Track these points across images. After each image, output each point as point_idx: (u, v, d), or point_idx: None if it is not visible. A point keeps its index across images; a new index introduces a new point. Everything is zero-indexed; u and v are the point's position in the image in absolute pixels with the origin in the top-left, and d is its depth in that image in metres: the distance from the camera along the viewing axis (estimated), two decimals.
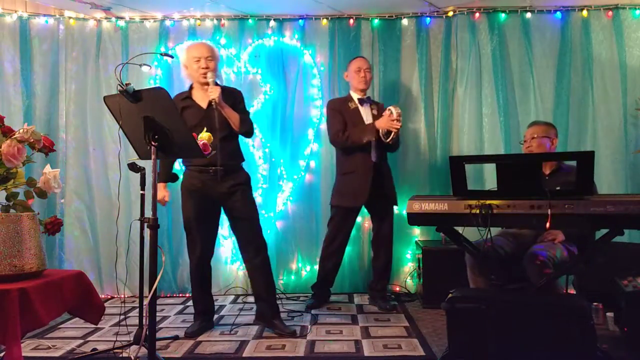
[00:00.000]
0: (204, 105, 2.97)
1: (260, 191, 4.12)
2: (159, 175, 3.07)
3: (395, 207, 3.73)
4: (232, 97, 3.04)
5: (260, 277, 3.05)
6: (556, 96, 3.99)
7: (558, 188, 2.13)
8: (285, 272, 4.15)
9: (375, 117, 3.56)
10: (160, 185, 3.04)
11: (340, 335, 3.00)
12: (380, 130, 3.45)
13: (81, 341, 2.94)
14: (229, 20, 4.19)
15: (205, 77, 2.93)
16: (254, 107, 4.12)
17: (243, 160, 3.12)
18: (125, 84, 2.15)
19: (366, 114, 3.61)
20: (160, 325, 3.24)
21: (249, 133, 3.08)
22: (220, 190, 2.95)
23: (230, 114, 2.94)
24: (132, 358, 2.55)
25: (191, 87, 3.05)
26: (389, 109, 3.41)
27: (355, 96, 3.65)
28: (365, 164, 3.53)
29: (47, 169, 2.21)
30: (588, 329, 2.02)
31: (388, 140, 3.44)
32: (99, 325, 2.98)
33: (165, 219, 4.04)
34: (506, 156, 3.18)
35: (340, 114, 3.58)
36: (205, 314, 3.13)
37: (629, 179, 3.88)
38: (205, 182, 2.95)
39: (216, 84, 2.97)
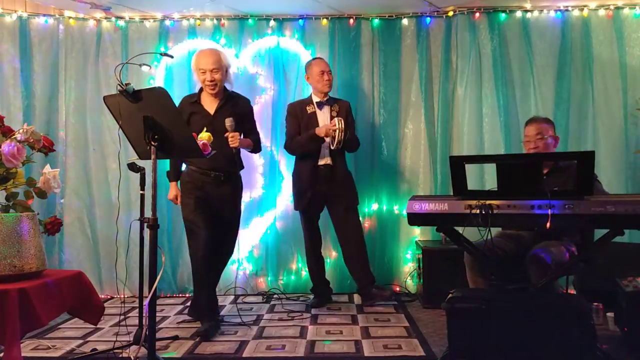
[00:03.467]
0: (211, 111, 3.01)
1: (260, 191, 4.12)
2: (170, 174, 3.16)
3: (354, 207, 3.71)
4: (237, 106, 3.10)
5: (216, 277, 3.23)
6: (556, 96, 3.99)
7: (556, 188, 2.12)
8: (285, 272, 4.14)
9: (338, 117, 3.51)
10: (172, 185, 3.16)
11: (340, 335, 2.99)
12: (327, 137, 3.46)
13: (81, 341, 2.94)
14: (228, 20, 4.19)
15: (213, 90, 3.00)
16: (254, 107, 4.11)
17: (242, 167, 3.17)
18: (125, 84, 2.15)
19: (324, 117, 3.61)
20: (160, 325, 3.24)
21: (259, 151, 3.38)
22: (218, 195, 3.03)
23: (246, 145, 3.09)
24: (132, 358, 2.55)
25: (201, 90, 3.07)
26: (335, 120, 3.42)
27: (316, 99, 3.66)
28: (307, 167, 3.58)
29: (47, 169, 2.22)
30: (588, 329, 2.02)
31: (333, 147, 3.46)
32: (98, 326, 2.97)
33: (165, 219, 4.04)
34: (506, 156, 3.16)
35: (297, 118, 3.62)
36: (209, 314, 3.04)
37: (629, 179, 3.88)
38: (205, 185, 3.01)
39: (225, 91, 3.04)
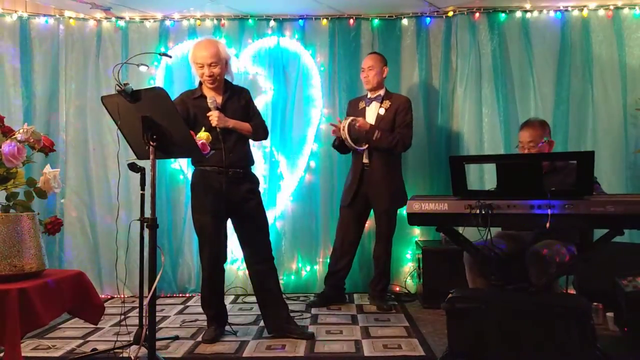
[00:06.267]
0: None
1: (260, 191, 4.12)
2: None
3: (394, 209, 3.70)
4: (241, 98, 2.96)
5: (267, 284, 2.96)
6: (556, 96, 3.99)
7: (553, 188, 2.13)
8: (285, 272, 4.14)
9: (385, 113, 3.56)
10: None
11: (340, 335, 3.00)
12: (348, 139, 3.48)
13: (81, 341, 2.94)
14: (229, 20, 4.19)
15: (212, 84, 2.84)
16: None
17: (253, 163, 3.05)
18: (124, 84, 2.15)
19: (371, 112, 3.63)
20: (160, 325, 3.24)
21: (265, 138, 3.12)
22: (238, 194, 2.87)
23: (240, 127, 2.87)
24: (132, 358, 2.55)
25: (201, 84, 2.93)
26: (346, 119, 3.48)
27: (369, 95, 3.70)
28: (355, 165, 3.65)
29: (47, 169, 2.22)
30: (588, 329, 2.02)
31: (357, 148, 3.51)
32: (99, 325, 2.98)
33: (165, 219, 4.05)
34: (506, 156, 3.16)
35: (349, 115, 3.67)
36: (217, 319, 2.99)
37: (629, 179, 3.88)
38: (224, 184, 2.82)
39: (227, 84, 2.93)
